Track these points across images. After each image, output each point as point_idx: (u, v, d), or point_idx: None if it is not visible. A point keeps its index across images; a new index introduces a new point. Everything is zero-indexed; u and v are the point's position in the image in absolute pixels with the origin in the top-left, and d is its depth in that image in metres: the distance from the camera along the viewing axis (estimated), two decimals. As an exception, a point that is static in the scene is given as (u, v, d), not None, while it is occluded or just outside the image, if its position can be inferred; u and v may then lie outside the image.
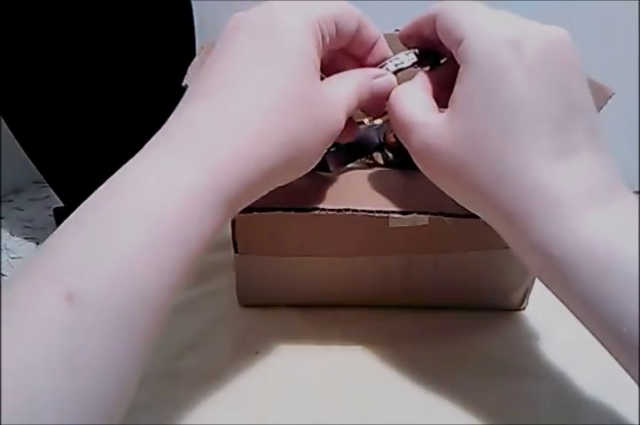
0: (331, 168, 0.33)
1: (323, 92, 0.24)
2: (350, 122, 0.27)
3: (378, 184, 0.32)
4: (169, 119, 0.22)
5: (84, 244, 0.18)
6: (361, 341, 0.35)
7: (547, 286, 0.23)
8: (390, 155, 0.35)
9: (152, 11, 1.03)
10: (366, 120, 0.32)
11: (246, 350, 0.34)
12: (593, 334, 0.22)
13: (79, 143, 1.09)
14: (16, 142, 1.10)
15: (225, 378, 0.32)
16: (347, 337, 0.35)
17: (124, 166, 0.21)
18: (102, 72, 1.02)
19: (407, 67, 0.27)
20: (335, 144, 0.30)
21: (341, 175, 0.33)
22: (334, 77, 0.26)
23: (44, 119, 1.05)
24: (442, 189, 0.25)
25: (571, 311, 0.23)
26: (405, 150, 0.32)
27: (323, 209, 0.28)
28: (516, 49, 0.21)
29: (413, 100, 0.25)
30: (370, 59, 0.27)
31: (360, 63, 0.27)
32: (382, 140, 0.36)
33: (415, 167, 0.34)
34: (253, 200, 0.24)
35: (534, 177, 0.21)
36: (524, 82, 0.21)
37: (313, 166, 0.25)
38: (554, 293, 0.23)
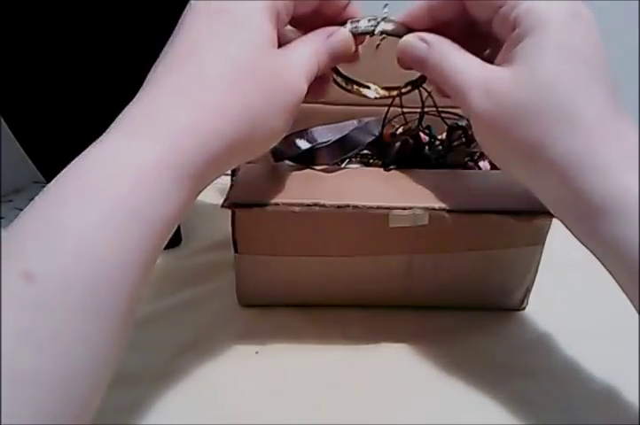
0: (322, 162, 0.33)
1: (279, 62, 0.24)
2: (320, 80, 0.27)
3: (377, 183, 0.32)
4: (132, 101, 0.23)
5: (44, 225, 0.19)
6: (361, 341, 0.35)
7: (586, 245, 0.24)
8: (387, 151, 0.35)
9: (152, 11, 1.03)
10: (372, 93, 0.31)
11: (246, 350, 0.34)
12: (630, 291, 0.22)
13: (79, 144, 1.09)
14: (16, 142, 1.10)
15: (225, 378, 0.32)
16: (347, 337, 0.35)
17: (86, 150, 0.21)
18: (102, 72, 1.02)
19: (362, 33, 0.28)
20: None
21: (341, 174, 0.33)
22: (292, 44, 0.26)
23: (44, 118, 1.05)
24: (488, 143, 0.26)
25: (611, 272, 0.23)
26: (402, 147, 0.33)
27: (324, 205, 0.28)
28: (576, 14, 0.23)
29: (461, 50, 0.26)
30: (341, 20, 0.28)
31: (332, 23, 0.28)
32: (378, 136, 0.36)
33: (413, 165, 0.34)
34: (221, 174, 0.24)
35: (598, 132, 0.22)
36: (587, 43, 0.23)
37: (279, 138, 0.26)
38: (591, 251, 0.24)
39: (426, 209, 0.28)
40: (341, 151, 0.35)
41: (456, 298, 0.37)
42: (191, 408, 0.30)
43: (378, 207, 0.28)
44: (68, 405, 0.18)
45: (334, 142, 0.34)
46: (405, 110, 0.36)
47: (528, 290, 0.36)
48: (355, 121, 0.37)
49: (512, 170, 0.26)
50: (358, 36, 0.28)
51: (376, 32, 0.28)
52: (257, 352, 0.34)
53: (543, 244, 0.34)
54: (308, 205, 0.28)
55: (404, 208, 0.28)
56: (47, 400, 0.17)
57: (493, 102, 0.24)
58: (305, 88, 0.25)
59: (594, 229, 0.22)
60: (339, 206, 0.28)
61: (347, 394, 0.31)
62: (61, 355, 0.17)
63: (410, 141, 0.35)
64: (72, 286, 0.18)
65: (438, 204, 0.29)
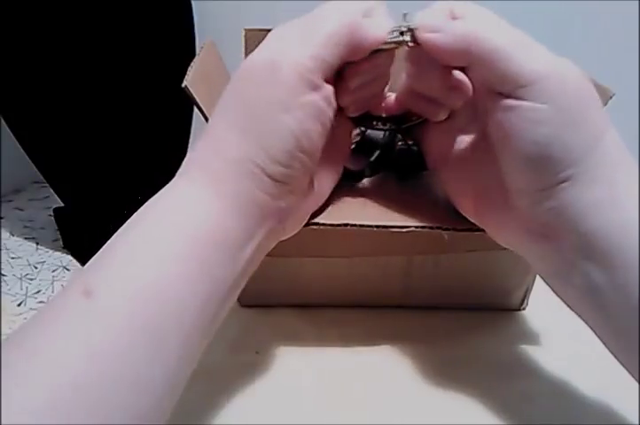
0: (354, 168, 0.33)
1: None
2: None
3: (376, 198, 0.32)
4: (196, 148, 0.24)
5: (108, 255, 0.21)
6: (360, 341, 0.35)
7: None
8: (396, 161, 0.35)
9: (152, 11, 1.04)
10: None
11: (246, 350, 0.34)
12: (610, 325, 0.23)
13: (79, 143, 1.09)
14: (16, 142, 1.10)
15: (225, 378, 0.32)
16: (347, 338, 0.35)
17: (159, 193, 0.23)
18: (102, 72, 1.02)
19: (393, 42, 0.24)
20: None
21: (341, 191, 0.33)
22: None
23: (44, 119, 1.05)
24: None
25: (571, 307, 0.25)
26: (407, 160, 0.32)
27: (324, 224, 0.29)
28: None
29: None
30: None
31: None
32: (388, 148, 0.35)
33: (416, 171, 0.34)
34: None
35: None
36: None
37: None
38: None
39: (424, 228, 0.29)
40: (364, 154, 0.34)
41: (456, 298, 0.37)
42: (189, 408, 0.30)
43: (376, 226, 0.29)
44: (116, 413, 0.18)
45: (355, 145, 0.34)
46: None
47: (528, 290, 0.36)
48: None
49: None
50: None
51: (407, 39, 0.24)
52: (257, 352, 0.34)
53: (543, 244, 0.34)
54: (305, 225, 0.29)
55: (402, 227, 0.29)
56: (100, 406, 0.17)
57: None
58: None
59: None
60: (337, 225, 0.29)
61: (347, 394, 0.31)
62: (107, 359, 0.18)
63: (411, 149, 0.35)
64: (120, 301, 0.19)
65: (436, 222, 0.29)
